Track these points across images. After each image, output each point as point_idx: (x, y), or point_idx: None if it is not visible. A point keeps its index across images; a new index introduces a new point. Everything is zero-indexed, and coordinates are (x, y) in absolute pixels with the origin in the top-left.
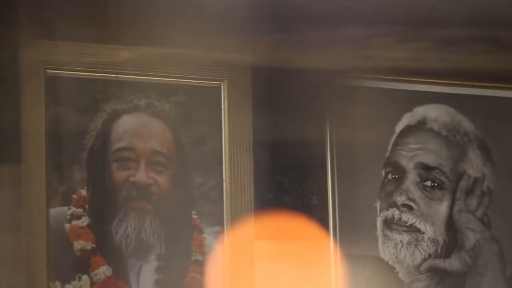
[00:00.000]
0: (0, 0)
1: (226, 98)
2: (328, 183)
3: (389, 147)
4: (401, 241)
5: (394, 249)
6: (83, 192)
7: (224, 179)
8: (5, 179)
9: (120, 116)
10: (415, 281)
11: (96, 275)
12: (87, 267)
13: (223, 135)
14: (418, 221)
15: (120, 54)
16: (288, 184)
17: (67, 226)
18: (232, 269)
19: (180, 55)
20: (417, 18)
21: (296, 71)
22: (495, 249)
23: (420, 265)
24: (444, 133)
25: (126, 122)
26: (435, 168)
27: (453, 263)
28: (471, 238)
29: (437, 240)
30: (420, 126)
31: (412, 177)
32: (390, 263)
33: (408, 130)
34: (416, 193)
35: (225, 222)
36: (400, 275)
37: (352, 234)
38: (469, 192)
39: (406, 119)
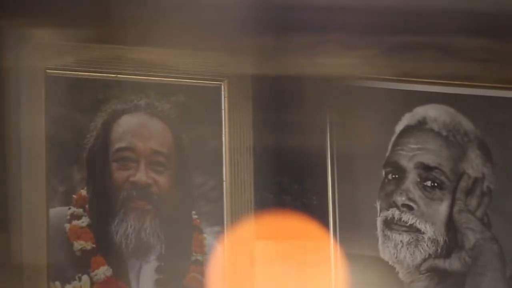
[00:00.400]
0: (0, 0)
1: (226, 98)
2: (328, 183)
3: (389, 147)
4: (401, 241)
5: (394, 249)
6: (83, 192)
7: (224, 179)
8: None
9: (120, 116)
10: (415, 281)
11: (96, 275)
12: (87, 267)
13: (223, 135)
14: (418, 221)
15: (120, 54)
16: (288, 184)
17: (67, 226)
18: (232, 269)
19: (180, 55)
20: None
21: (296, 71)
22: (495, 249)
23: (420, 265)
24: (444, 133)
25: (126, 122)
26: (435, 168)
27: (453, 263)
28: (471, 238)
29: (437, 240)
30: (420, 126)
31: (412, 177)
32: (390, 263)
33: (408, 130)
34: (416, 193)
35: (225, 222)
36: (400, 275)
37: (352, 234)
38: (469, 192)
39: (406, 119)
